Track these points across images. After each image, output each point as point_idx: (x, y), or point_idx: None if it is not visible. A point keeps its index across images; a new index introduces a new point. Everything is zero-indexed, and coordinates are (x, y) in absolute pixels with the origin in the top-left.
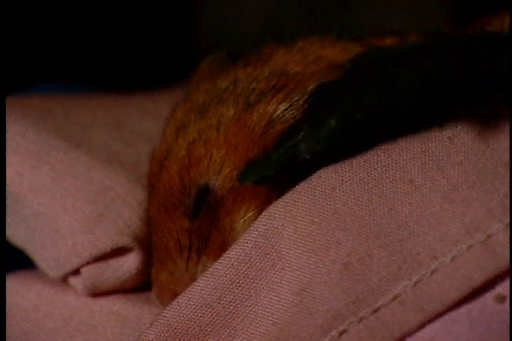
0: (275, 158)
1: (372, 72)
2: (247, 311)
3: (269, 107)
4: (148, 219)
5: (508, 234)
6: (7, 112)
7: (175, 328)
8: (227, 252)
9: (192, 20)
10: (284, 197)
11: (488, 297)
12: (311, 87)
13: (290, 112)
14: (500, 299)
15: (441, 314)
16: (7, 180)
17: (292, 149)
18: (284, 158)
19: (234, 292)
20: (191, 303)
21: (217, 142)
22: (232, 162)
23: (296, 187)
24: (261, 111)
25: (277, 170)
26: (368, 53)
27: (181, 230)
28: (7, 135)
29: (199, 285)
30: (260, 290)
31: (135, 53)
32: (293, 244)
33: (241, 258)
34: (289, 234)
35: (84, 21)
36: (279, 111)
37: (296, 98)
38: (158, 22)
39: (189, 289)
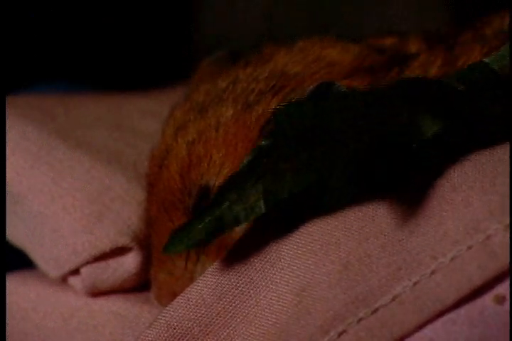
0: (201, 227)
1: (302, 143)
2: (246, 311)
3: (269, 107)
4: (147, 218)
5: (508, 235)
6: (7, 112)
7: (174, 328)
8: (226, 252)
9: (192, 20)
10: None
11: (488, 297)
12: (311, 87)
13: None
14: (499, 300)
15: (440, 314)
16: (7, 180)
17: (219, 219)
18: (211, 228)
19: (233, 292)
20: (191, 303)
21: (216, 142)
22: (232, 162)
23: None
24: (260, 111)
25: (205, 239)
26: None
27: None
28: (7, 135)
29: (198, 285)
30: (260, 291)
31: (135, 53)
32: (292, 244)
33: (241, 258)
34: (289, 234)
35: (84, 21)
36: None
37: (296, 98)
38: (158, 22)
39: (188, 289)
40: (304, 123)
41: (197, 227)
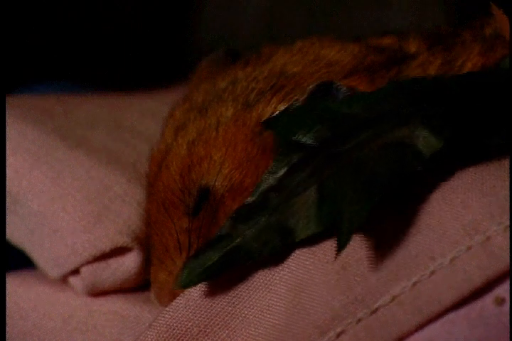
0: (213, 262)
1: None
2: (245, 312)
3: (268, 107)
4: (147, 218)
5: (508, 236)
6: (7, 112)
7: (174, 329)
8: None
9: (191, 20)
10: None
11: (488, 299)
12: (311, 86)
13: None
14: (499, 301)
15: (440, 315)
16: (7, 180)
17: (232, 254)
18: (224, 262)
19: (233, 293)
20: (190, 304)
21: (216, 142)
22: (232, 162)
23: None
24: (260, 110)
25: (218, 273)
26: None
27: (181, 229)
28: (7, 135)
29: (198, 286)
30: (259, 291)
31: (135, 53)
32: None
33: None
34: None
35: (84, 21)
36: (278, 111)
37: (296, 98)
38: (158, 22)
39: (188, 290)
40: (308, 142)
41: (209, 261)
